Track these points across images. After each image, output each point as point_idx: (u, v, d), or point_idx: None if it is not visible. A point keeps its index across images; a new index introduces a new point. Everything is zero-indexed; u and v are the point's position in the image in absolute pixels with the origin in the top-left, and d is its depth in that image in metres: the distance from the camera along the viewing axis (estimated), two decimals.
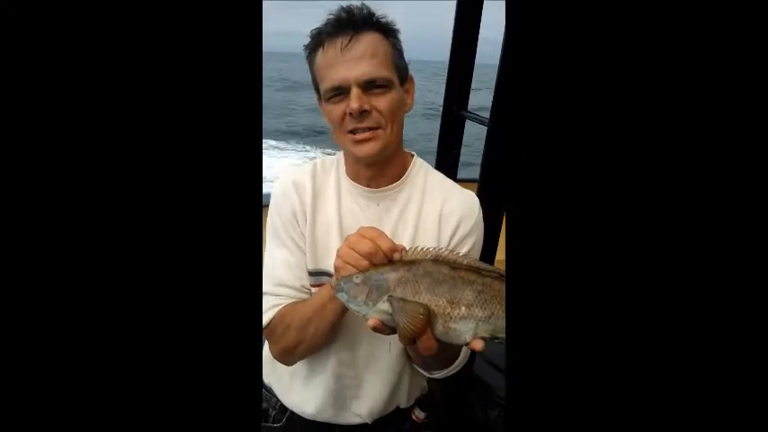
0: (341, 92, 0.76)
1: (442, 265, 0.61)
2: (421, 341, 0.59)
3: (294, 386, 0.93)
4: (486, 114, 1.05)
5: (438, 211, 0.86)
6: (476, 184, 1.05)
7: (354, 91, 0.74)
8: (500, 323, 0.58)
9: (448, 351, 0.81)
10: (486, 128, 1.00)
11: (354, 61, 0.74)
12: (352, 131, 0.77)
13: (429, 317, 0.58)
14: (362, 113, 0.75)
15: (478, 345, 0.58)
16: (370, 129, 0.77)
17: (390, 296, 0.59)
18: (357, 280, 0.62)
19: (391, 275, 0.61)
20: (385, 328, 0.61)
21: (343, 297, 0.63)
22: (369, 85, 0.75)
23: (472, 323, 0.58)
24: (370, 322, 0.60)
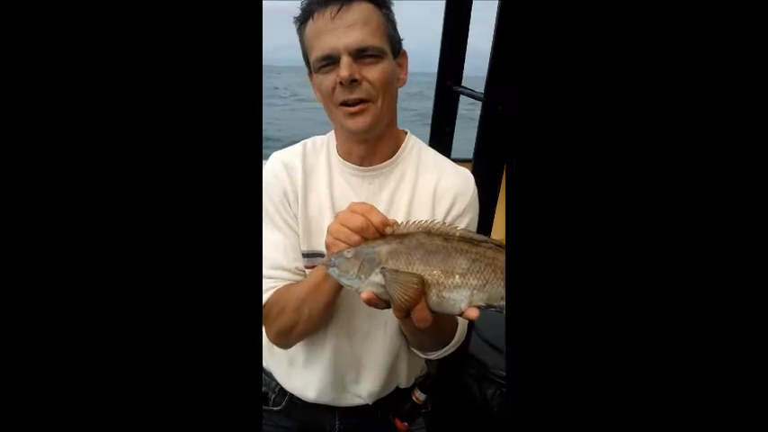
0: (331, 61, 0.73)
1: (435, 237, 0.60)
2: (415, 312, 0.58)
3: (294, 371, 0.93)
4: None
5: (432, 189, 0.85)
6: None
7: (344, 59, 0.72)
8: (495, 291, 0.57)
9: (443, 330, 0.81)
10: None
11: (345, 29, 0.72)
12: (343, 104, 0.75)
13: (423, 287, 0.57)
14: (353, 83, 0.73)
15: (473, 313, 0.57)
16: (360, 101, 0.74)
17: (383, 268, 0.59)
18: (348, 254, 0.61)
19: (383, 248, 0.60)
20: (379, 302, 0.60)
21: (334, 272, 0.62)
22: (360, 54, 0.73)
23: (467, 292, 0.57)
24: (364, 295, 0.60)
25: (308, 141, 0.90)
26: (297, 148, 0.89)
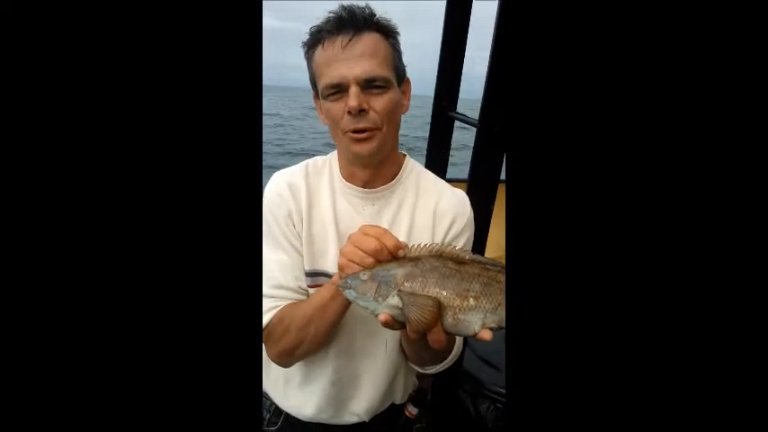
0: (339, 89, 0.76)
1: (447, 260, 0.63)
2: (431, 334, 0.60)
3: (290, 390, 0.93)
4: None
5: (432, 209, 0.88)
6: (464, 185, 1.08)
7: (353, 89, 0.74)
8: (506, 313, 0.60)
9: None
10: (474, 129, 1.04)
11: (354, 60, 0.74)
12: (351, 130, 0.77)
13: (439, 309, 0.60)
14: (361, 112, 0.75)
15: (487, 335, 0.60)
16: (367, 129, 0.77)
17: (400, 291, 0.61)
18: (364, 277, 0.63)
19: (399, 271, 0.62)
20: (395, 323, 0.62)
21: (350, 294, 0.63)
22: (367, 84, 0.75)
23: (480, 314, 0.60)
24: (381, 317, 0.61)
25: (310, 162, 0.92)
26: (299, 168, 0.91)
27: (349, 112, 0.75)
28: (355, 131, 0.77)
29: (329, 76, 0.76)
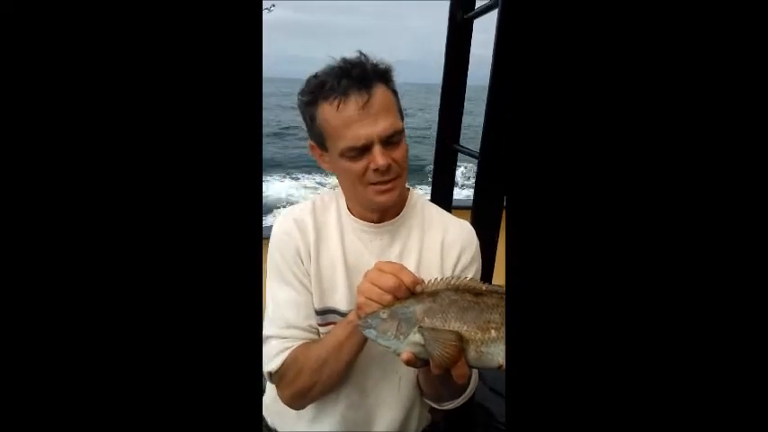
0: (363, 149, 0.76)
1: (465, 293, 0.63)
2: (455, 369, 0.60)
3: (299, 425, 0.91)
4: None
5: (440, 241, 0.89)
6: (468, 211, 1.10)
7: (377, 148, 0.75)
8: None
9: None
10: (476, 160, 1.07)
11: (373, 118, 0.74)
12: (374, 183, 0.78)
13: (461, 343, 0.60)
14: (387, 168, 0.76)
15: None
16: (390, 180, 0.78)
17: (420, 327, 0.61)
18: (384, 315, 0.63)
19: (418, 307, 0.62)
20: (417, 361, 0.62)
21: (371, 334, 0.63)
22: (388, 140, 0.76)
23: (503, 345, 0.60)
24: (404, 356, 0.61)
25: (317, 199, 0.93)
26: (306, 205, 0.91)
27: (376, 170, 0.76)
28: (378, 183, 0.78)
29: (352, 139, 0.75)
